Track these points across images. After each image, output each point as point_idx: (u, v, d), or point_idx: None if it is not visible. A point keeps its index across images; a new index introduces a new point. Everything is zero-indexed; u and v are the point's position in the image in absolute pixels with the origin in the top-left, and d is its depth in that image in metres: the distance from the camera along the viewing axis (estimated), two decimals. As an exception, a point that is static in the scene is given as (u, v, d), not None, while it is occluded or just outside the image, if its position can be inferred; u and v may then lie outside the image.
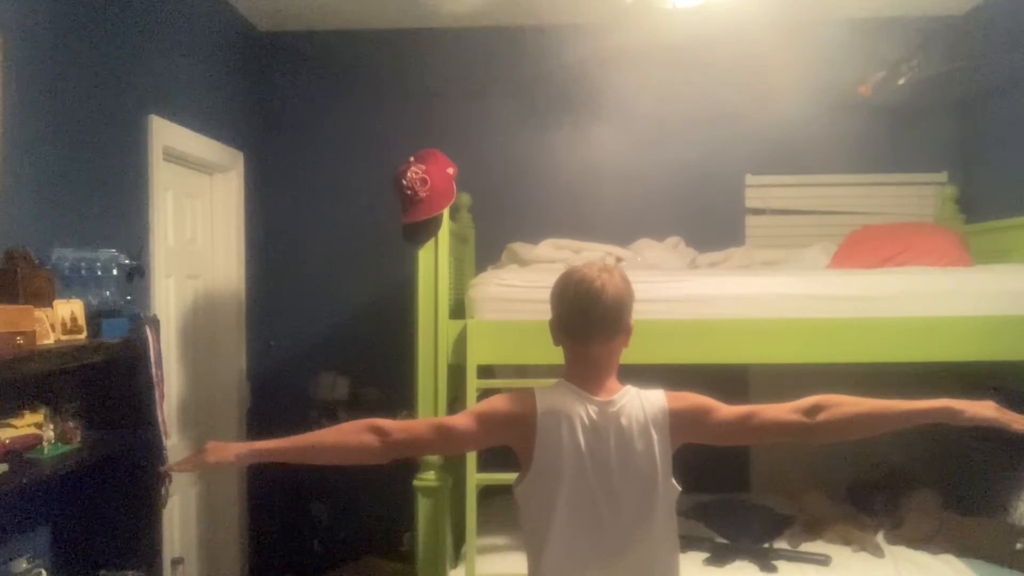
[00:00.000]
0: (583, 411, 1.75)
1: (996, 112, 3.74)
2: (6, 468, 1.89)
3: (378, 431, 1.75)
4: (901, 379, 2.54)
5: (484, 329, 2.81)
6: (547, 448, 1.73)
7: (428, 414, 2.80)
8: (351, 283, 4.12)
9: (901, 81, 3.66)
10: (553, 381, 1.84)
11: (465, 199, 3.73)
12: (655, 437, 1.74)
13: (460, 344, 2.83)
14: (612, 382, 1.80)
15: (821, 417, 1.74)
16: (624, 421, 1.74)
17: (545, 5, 3.80)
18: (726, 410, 1.79)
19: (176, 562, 2.76)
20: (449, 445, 2.02)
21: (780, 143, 4.00)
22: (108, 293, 2.37)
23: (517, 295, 2.80)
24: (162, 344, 2.45)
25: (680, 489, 1.79)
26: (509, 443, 1.80)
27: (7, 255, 2.06)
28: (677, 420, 1.76)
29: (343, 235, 4.12)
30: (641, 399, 1.78)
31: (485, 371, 2.88)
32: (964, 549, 2.90)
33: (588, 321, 1.76)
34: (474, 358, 2.79)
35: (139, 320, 2.39)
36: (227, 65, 3.77)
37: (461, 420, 1.81)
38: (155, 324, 2.42)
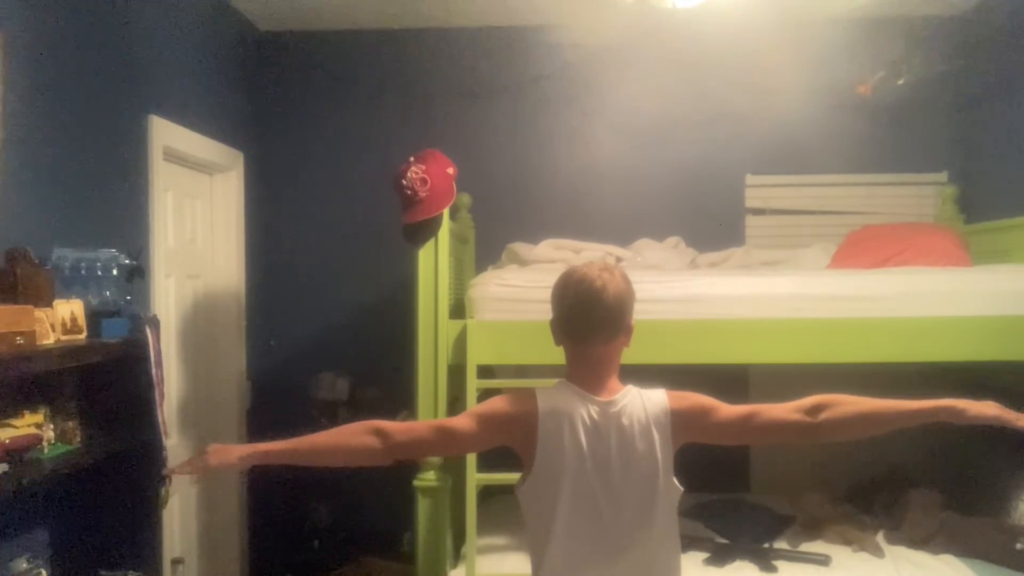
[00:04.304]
0: (584, 411, 1.74)
1: (996, 112, 3.74)
2: (6, 468, 1.89)
3: (380, 433, 1.76)
4: (901, 379, 2.54)
5: (484, 329, 2.81)
6: (549, 449, 1.73)
7: (428, 414, 2.80)
8: (351, 283, 4.12)
9: (901, 81, 3.66)
10: (553, 381, 1.84)
11: (465, 199, 3.73)
12: (656, 437, 1.74)
13: (460, 344, 2.83)
14: (613, 382, 1.80)
15: (823, 417, 1.74)
16: (625, 421, 1.74)
17: (545, 5, 3.79)
18: (728, 410, 1.79)
19: (176, 562, 2.76)
20: (451, 446, 2.02)
21: (780, 143, 3.99)
22: (108, 293, 2.37)
23: (517, 295, 2.80)
24: (162, 344, 2.45)
25: (682, 489, 1.79)
26: (511, 444, 1.80)
27: (7, 255, 2.06)
28: (679, 420, 1.76)
29: (343, 235, 4.12)
30: (643, 399, 1.77)
31: (485, 371, 2.88)
32: (964, 549, 2.90)
33: (589, 321, 1.76)
34: (474, 358, 2.79)
35: (139, 320, 2.39)
36: (227, 65, 3.77)
37: (462, 421, 1.81)
38: (155, 324, 2.42)
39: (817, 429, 1.75)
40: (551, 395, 1.78)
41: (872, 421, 1.78)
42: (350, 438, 1.78)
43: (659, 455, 1.74)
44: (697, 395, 1.81)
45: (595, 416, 1.74)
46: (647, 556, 1.76)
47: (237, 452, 1.81)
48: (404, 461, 1.87)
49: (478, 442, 1.87)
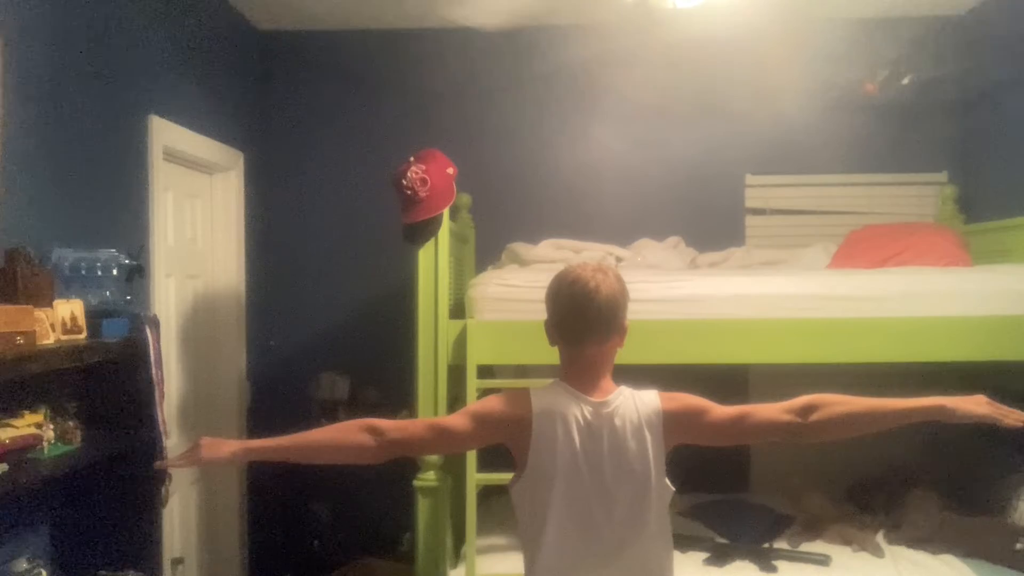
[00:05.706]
0: (578, 411, 1.75)
1: (996, 112, 3.74)
2: (6, 468, 1.89)
3: (374, 431, 1.76)
4: (901, 379, 2.54)
5: (484, 329, 2.81)
6: (542, 448, 1.74)
7: (428, 414, 2.79)
8: (351, 283, 4.12)
9: (905, 81, 3.66)
10: (550, 381, 1.84)
11: (465, 199, 3.72)
12: (648, 438, 1.75)
13: (460, 344, 2.83)
14: (607, 382, 1.80)
15: (814, 417, 1.75)
16: (618, 422, 1.75)
17: (546, 5, 3.79)
18: (719, 411, 1.79)
19: (176, 562, 2.76)
20: (445, 445, 2.03)
21: (780, 143, 3.99)
22: (108, 293, 2.37)
23: (517, 295, 2.80)
24: (162, 344, 2.45)
25: (673, 489, 1.79)
26: (504, 443, 1.81)
27: (7, 255, 2.06)
28: (671, 421, 1.76)
29: (343, 235, 4.12)
30: (635, 400, 1.78)
31: (485, 371, 2.88)
32: (964, 549, 2.90)
33: (583, 321, 1.76)
34: (474, 358, 2.79)
35: (139, 320, 2.39)
36: (227, 65, 3.77)
37: (457, 420, 1.81)
38: (155, 324, 2.42)
39: (807, 429, 1.76)
40: (545, 395, 1.79)
41: (862, 421, 1.79)
42: (344, 435, 1.78)
43: (651, 456, 1.74)
44: (689, 396, 1.81)
45: (588, 416, 1.75)
46: (640, 556, 1.76)
47: (228, 448, 1.80)
48: (399, 459, 1.87)
49: (472, 440, 1.88)
